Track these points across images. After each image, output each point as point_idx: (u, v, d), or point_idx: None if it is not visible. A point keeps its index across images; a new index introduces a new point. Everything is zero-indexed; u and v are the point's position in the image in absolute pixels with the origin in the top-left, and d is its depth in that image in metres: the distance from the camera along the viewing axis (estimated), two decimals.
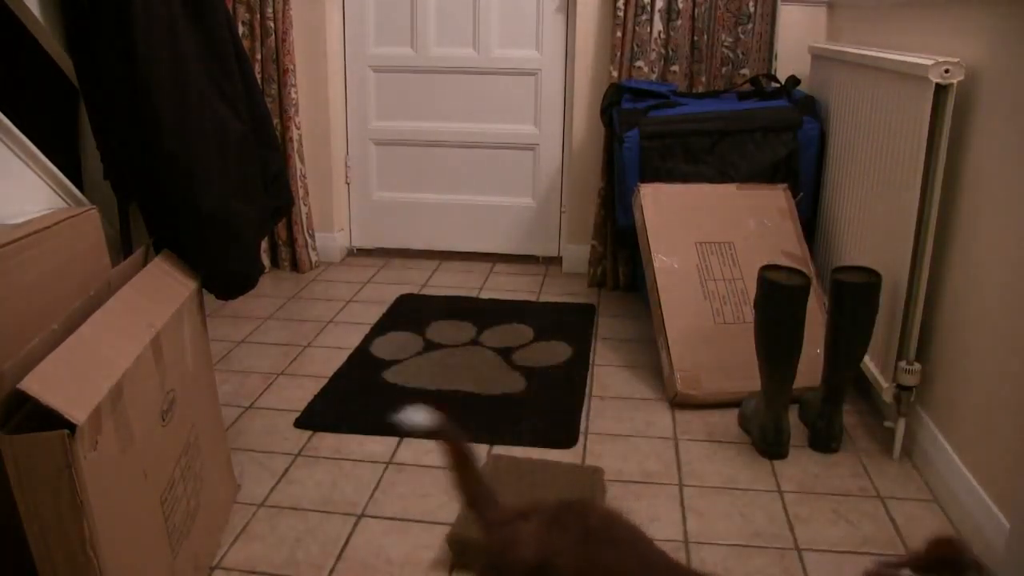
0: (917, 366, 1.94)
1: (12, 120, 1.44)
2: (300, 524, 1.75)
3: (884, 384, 2.00)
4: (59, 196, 1.58)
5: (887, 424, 2.05)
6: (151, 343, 1.37)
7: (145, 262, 1.59)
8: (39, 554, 1.11)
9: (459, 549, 1.63)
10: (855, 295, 1.95)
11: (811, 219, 2.72)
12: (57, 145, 1.65)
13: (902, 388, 1.96)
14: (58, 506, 1.09)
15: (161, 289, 1.52)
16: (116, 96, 1.55)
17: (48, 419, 1.07)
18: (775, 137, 2.67)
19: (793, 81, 2.86)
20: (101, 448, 1.15)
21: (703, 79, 3.07)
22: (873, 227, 2.18)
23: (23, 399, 1.07)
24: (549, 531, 1.14)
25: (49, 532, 1.11)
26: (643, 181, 2.65)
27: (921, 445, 1.95)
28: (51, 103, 1.79)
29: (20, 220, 1.42)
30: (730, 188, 2.60)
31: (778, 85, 2.90)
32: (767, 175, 2.66)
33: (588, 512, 1.16)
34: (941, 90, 1.79)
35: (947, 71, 1.77)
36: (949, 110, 1.79)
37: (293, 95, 3.28)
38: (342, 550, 1.67)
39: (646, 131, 2.68)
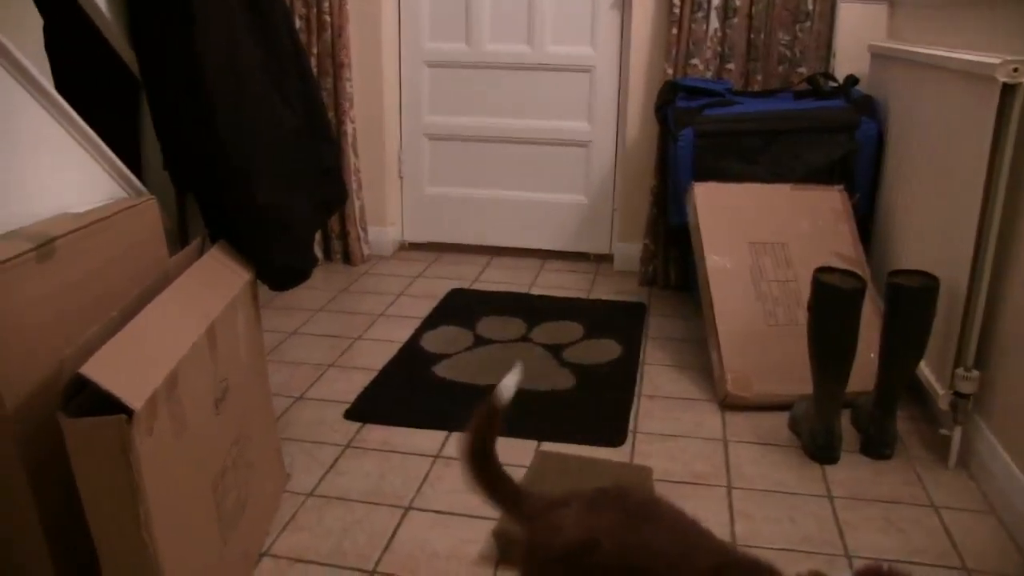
0: (975, 373, 1.89)
1: (77, 111, 1.47)
2: (347, 515, 1.77)
3: (940, 391, 1.96)
4: (120, 186, 1.62)
5: (942, 432, 2.00)
6: (206, 332, 1.39)
7: (201, 252, 1.62)
8: (97, 534, 1.14)
9: (504, 544, 1.63)
10: (912, 299, 1.91)
11: (867, 221, 2.67)
12: (119, 136, 1.68)
13: (959, 395, 1.92)
14: (115, 489, 1.12)
15: (216, 279, 1.55)
16: (174, 88, 1.58)
17: (105, 404, 1.09)
18: (831, 137, 2.62)
19: (851, 80, 2.81)
20: (156, 434, 1.17)
21: (759, 78, 3.03)
22: (932, 230, 2.13)
23: (81, 385, 1.10)
24: (589, 514, 1.14)
25: (107, 514, 1.13)
26: (697, 180, 2.63)
27: (978, 454, 1.91)
28: (114, 95, 1.82)
29: (82, 209, 1.46)
30: (784, 188, 2.56)
31: (836, 84, 2.85)
32: (823, 175, 2.62)
33: (626, 495, 1.17)
34: (1008, 89, 1.74)
35: (1015, 70, 1.72)
36: (1016, 110, 1.74)
37: (348, 89, 3.32)
38: (389, 542, 1.69)
39: (700, 129, 2.65)
